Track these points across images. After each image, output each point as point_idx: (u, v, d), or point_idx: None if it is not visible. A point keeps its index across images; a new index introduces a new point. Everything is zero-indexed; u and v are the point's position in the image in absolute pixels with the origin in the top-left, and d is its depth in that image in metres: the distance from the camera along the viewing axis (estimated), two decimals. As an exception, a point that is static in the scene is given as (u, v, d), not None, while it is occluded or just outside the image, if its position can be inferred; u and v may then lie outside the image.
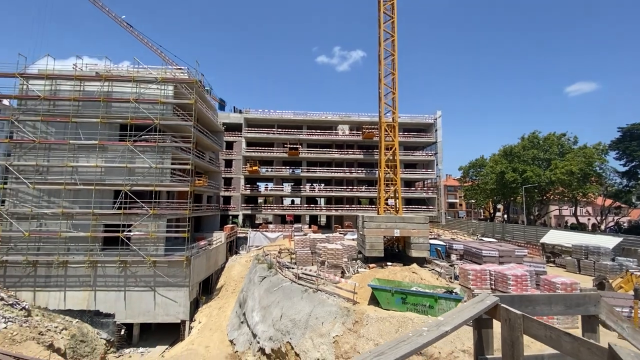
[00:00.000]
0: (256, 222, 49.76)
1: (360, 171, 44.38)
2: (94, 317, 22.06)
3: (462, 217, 71.37)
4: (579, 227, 44.47)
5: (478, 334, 2.90)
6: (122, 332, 21.92)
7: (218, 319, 22.50)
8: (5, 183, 23.05)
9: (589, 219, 56.17)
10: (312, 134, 44.56)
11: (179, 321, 22.48)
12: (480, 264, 16.83)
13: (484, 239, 27.50)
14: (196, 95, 29.44)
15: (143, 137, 23.87)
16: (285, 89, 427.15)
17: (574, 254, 21.28)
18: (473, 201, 56.24)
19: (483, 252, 18.01)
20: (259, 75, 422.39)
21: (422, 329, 2.73)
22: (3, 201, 23.42)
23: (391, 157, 20.25)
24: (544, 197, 44.77)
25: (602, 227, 44.75)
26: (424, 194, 44.18)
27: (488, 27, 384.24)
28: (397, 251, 19.75)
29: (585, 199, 40.78)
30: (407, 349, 2.36)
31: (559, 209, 57.32)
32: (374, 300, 13.01)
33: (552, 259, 24.44)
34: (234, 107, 48.96)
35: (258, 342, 15.92)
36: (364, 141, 44.35)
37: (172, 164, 24.40)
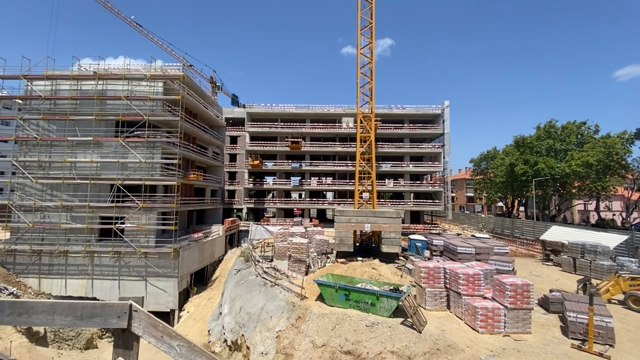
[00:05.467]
0: (265, 215, 50.48)
1: (363, 164, 43.54)
2: (91, 303, 23.51)
3: (479, 212, 68.32)
4: (603, 224, 41.17)
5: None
6: (116, 319, 23.22)
7: (205, 309, 23.18)
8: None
9: (614, 215, 51.82)
10: (315, 127, 44.20)
11: (169, 310, 23.41)
12: (456, 261, 16.08)
13: (476, 234, 26.13)
14: (190, 91, 30.16)
15: (136, 132, 24.78)
16: (309, 84, 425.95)
17: (570, 252, 19.74)
18: (485, 195, 53.56)
19: (458, 249, 17.13)
20: (282, 71, 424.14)
21: None
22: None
23: (368, 150, 19.64)
24: (563, 191, 41.74)
25: (629, 223, 41.10)
26: (430, 187, 42.70)
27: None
28: (373, 247, 19.29)
29: (604, 193, 37.44)
30: None
31: (584, 204, 53.26)
32: (322, 297, 12.79)
33: (551, 258, 22.90)
34: (238, 102, 49.54)
35: (224, 334, 16.26)
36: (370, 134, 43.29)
37: (163, 158, 25.18)
